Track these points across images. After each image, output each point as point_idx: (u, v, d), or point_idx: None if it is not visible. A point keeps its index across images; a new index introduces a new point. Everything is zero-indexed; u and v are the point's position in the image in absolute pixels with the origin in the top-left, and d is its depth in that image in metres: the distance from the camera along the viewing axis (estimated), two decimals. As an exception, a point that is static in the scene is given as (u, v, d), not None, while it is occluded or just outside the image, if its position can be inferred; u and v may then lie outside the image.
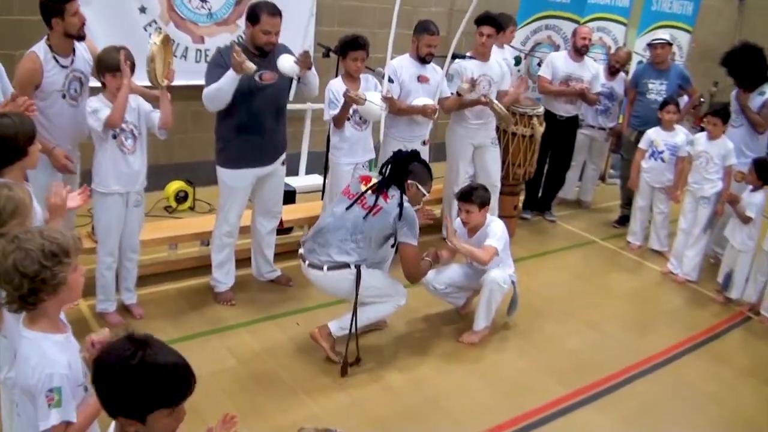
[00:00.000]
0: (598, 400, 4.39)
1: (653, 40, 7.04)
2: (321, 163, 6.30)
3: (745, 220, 5.62)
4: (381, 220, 4.17)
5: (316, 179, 6.84)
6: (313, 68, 4.71)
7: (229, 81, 4.32)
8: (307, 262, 4.26)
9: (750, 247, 5.70)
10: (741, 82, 6.23)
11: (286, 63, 4.53)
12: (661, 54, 6.92)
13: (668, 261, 6.45)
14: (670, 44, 6.99)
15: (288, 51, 4.66)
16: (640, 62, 8.09)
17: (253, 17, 4.45)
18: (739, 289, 5.78)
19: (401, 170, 4.30)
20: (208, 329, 4.55)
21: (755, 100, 6.20)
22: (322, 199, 6.05)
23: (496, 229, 4.73)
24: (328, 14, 7.16)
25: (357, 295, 4.17)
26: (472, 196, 4.71)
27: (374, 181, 4.33)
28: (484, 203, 4.75)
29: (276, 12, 4.46)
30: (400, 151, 4.45)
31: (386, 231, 4.22)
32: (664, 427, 4.21)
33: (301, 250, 4.37)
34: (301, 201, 6.36)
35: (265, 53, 4.51)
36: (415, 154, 4.40)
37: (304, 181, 7.09)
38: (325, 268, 4.17)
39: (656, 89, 6.92)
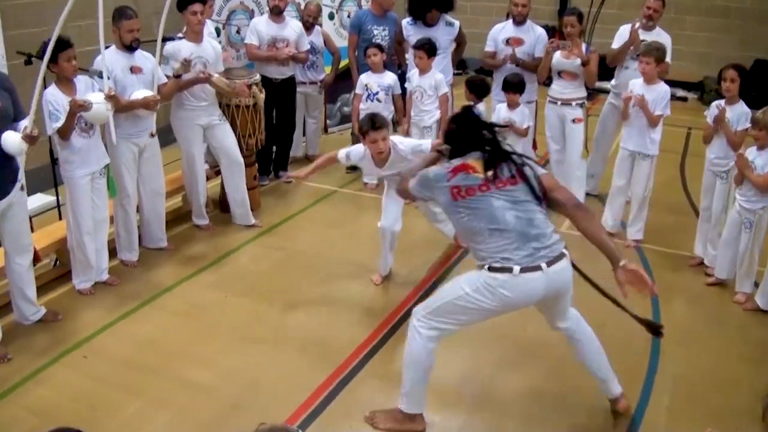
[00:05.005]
0: (395, 334, 4.67)
1: None
2: (44, 180, 5.79)
3: None
4: (530, 180, 3.49)
5: (44, 198, 6.24)
6: None
7: None
8: (544, 264, 3.33)
9: None
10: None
11: (13, 141, 4.14)
12: (389, 3, 7.27)
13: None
14: None
15: (4, 81, 4.29)
16: (331, 14, 8.36)
17: None
18: None
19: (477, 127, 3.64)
20: (-7, 396, 4.08)
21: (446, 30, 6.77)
22: (60, 218, 5.59)
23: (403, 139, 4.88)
24: (12, 16, 6.43)
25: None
26: (375, 121, 4.66)
27: (475, 160, 3.50)
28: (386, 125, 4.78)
29: None
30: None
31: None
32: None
33: (521, 267, 3.30)
34: (37, 226, 5.76)
35: None
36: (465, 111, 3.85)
37: (30, 203, 6.31)
38: (565, 251, 3.45)
39: (380, 35, 7.23)
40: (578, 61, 6.08)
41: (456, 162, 3.54)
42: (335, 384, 4.16)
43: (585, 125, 6.44)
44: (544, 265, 3.33)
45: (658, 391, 4.15)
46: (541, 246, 3.35)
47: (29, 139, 4.18)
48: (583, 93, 6.35)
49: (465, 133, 3.64)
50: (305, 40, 7.16)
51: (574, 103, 6.33)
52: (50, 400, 4.05)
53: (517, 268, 3.29)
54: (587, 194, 6.63)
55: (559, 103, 6.38)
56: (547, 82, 6.54)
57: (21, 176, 4.39)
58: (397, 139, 4.87)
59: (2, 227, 4.43)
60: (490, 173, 3.42)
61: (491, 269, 3.34)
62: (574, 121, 6.35)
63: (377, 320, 4.83)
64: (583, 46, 6.14)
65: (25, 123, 4.23)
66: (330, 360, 4.37)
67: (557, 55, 6.23)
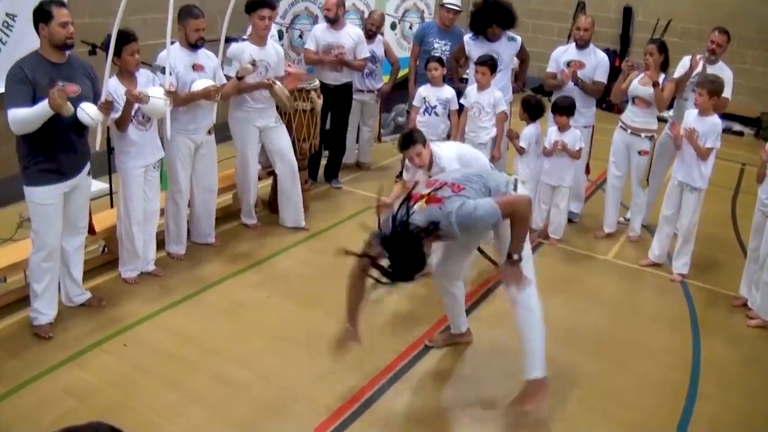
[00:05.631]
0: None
1: (448, 4, 7.29)
2: (99, 167, 5.89)
3: (519, 150, 6.24)
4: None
5: (98, 185, 6.38)
6: None
7: (42, 115, 4.02)
8: None
9: (531, 177, 6.31)
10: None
11: (90, 111, 4.25)
12: (453, 19, 7.30)
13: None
14: (460, 11, 7.35)
15: (87, 68, 4.46)
16: (393, 24, 8.42)
17: (44, 15, 4.10)
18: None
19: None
20: (34, 373, 4.14)
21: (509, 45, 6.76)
22: (111, 206, 5.70)
23: (446, 151, 4.73)
24: (78, 4, 6.58)
25: None
26: (414, 137, 4.69)
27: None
28: (425, 140, 4.73)
29: (63, 3, 4.20)
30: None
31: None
32: (484, 358, 4.56)
33: None
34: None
35: (66, 47, 4.19)
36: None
37: None
38: None
39: (441, 49, 7.25)
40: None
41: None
42: (371, 393, 4.17)
43: (650, 157, 6.34)
44: None
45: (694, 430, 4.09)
46: None
47: (105, 107, 4.33)
48: (654, 125, 6.22)
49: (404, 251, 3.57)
50: (363, 48, 7.21)
51: (643, 135, 6.21)
52: (88, 383, 4.12)
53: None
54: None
55: (628, 131, 6.28)
56: (605, 106, 6.47)
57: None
58: (437, 151, 4.74)
59: (65, 207, 4.52)
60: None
61: None
62: (640, 152, 6.27)
63: (418, 331, 4.84)
64: (662, 77, 6.06)
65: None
66: (368, 368, 4.38)
67: (634, 81, 6.18)
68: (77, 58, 4.43)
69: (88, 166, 4.58)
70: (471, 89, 6.49)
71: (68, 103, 4.03)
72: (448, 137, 6.91)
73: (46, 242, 4.42)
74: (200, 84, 5.31)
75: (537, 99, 6.36)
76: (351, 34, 7.14)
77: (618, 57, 11.27)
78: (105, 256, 5.55)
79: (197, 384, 4.17)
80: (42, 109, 4.00)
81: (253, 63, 5.63)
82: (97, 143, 4.46)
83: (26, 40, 4.31)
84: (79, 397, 3.98)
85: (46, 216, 4.37)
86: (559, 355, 4.53)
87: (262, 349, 4.54)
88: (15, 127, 4.09)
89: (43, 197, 4.33)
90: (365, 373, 4.34)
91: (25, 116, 4.03)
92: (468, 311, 4.85)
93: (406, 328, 4.83)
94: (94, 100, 4.41)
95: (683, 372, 4.59)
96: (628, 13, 11.48)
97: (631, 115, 6.26)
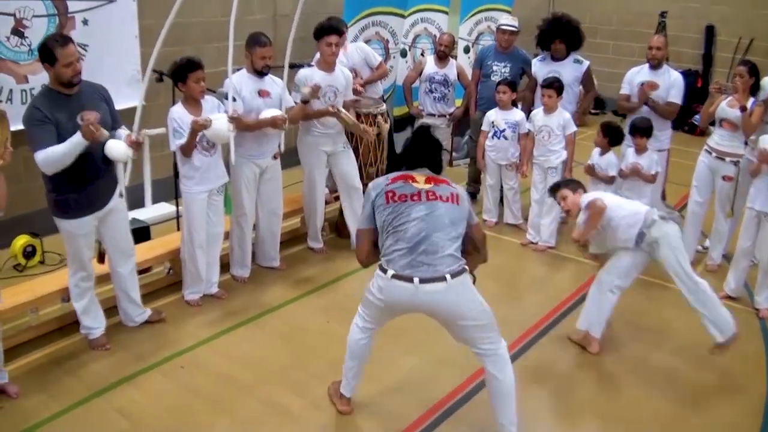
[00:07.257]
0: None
1: (504, 25, 7.18)
2: (167, 191, 5.99)
3: (610, 180, 5.98)
4: (463, 207, 3.68)
5: (166, 207, 6.48)
6: None
7: (76, 147, 4.04)
8: (417, 279, 3.50)
9: None
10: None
11: (119, 149, 4.28)
12: (510, 40, 7.12)
13: (526, 232, 6.67)
14: (518, 32, 7.18)
15: (101, 91, 4.47)
16: (466, 47, 8.35)
17: (49, 56, 4.07)
18: None
19: (433, 147, 3.86)
20: (89, 393, 4.19)
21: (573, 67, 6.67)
22: (178, 229, 5.77)
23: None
24: (151, 35, 6.75)
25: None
26: (560, 187, 4.92)
27: (420, 173, 3.72)
28: (576, 185, 4.92)
29: (67, 40, 4.16)
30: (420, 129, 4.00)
31: (466, 219, 3.72)
32: (559, 390, 4.45)
33: (394, 272, 3.54)
34: (157, 234, 5.98)
35: (73, 84, 4.16)
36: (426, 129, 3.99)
37: (153, 211, 6.57)
38: (448, 276, 3.50)
39: (500, 72, 7.12)
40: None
41: (398, 173, 3.78)
42: (424, 426, 4.04)
43: (735, 184, 5.92)
44: (416, 279, 3.50)
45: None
46: (424, 262, 3.52)
47: (134, 144, 4.35)
48: (740, 150, 5.86)
49: (422, 149, 3.83)
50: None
51: (728, 159, 5.87)
52: (142, 405, 4.14)
53: (390, 272, 3.54)
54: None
55: (713, 155, 5.95)
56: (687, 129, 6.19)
57: (121, 185, 4.57)
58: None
59: (104, 233, 4.61)
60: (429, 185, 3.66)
61: (379, 267, 3.65)
62: (724, 178, 5.93)
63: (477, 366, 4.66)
64: (751, 101, 5.72)
65: (126, 131, 4.43)
66: (424, 401, 4.26)
67: (722, 103, 5.88)
68: (89, 82, 4.40)
69: (117, 190, 4.58)
70: (537, 112, 6.37)
71: (102, 129, 4.06)
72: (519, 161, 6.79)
73: (81, 266, 4.52)
74: (268, 113, 5.33)
75: (619, 126, 6.18)
76: (353, 55, 6.90)
77: (701, 77, 10.90)
78: (170, 278, 5.62)
79: (250, 411, 4.13)
80: (76, 141, 4.02)
81: (316, 86, 5.60)
82: (126, 179, 4.51)
83: (98, 71, 4.29)
84: (132, 420, 4.00)
85: (77, 244, 4.45)
86: (627, 394, 4.34)
87: (318, 376, 4.45)
88: (48, 166, 4.09)
89: (73, 228, 4.40)
90: (420, 406, 4.21)
91: (61, 152, 4.04)
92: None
93: (468, 362, 4.66)
94: (113, 121, 4.44)
95: (755, 418, 4.25)
96: (710, 32, 11.08)
97: (717, 138, 5.93)
